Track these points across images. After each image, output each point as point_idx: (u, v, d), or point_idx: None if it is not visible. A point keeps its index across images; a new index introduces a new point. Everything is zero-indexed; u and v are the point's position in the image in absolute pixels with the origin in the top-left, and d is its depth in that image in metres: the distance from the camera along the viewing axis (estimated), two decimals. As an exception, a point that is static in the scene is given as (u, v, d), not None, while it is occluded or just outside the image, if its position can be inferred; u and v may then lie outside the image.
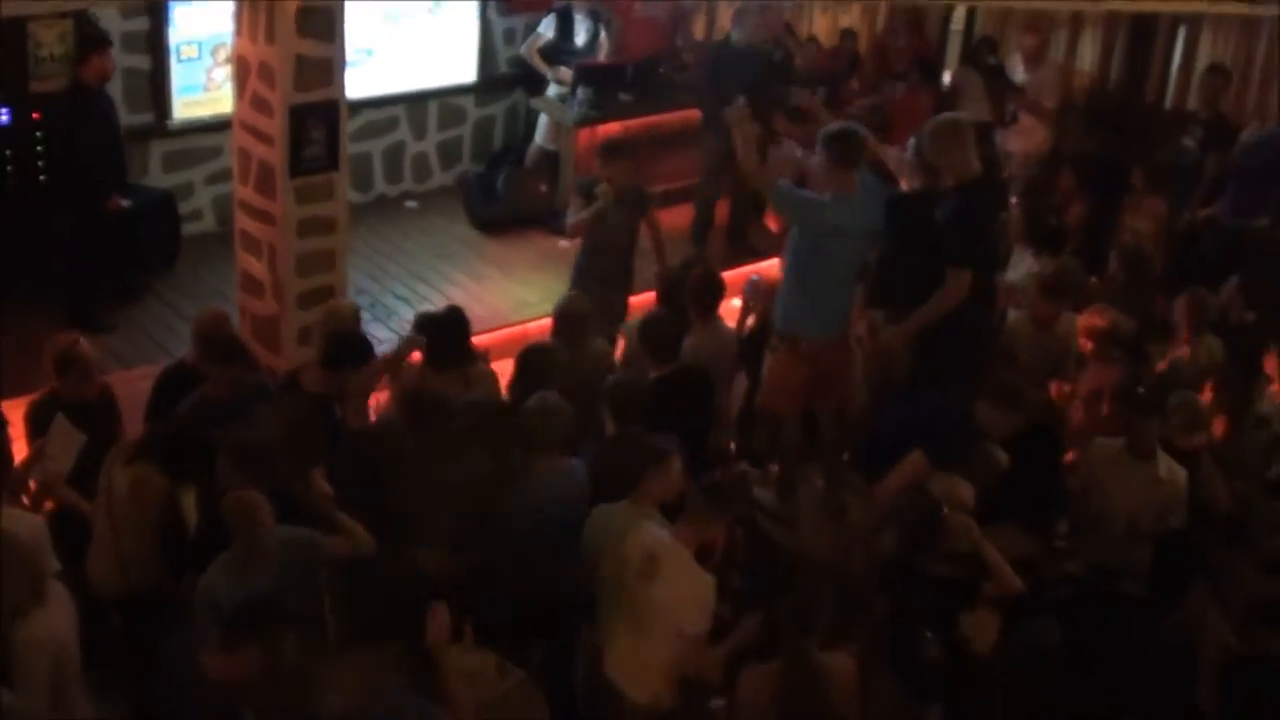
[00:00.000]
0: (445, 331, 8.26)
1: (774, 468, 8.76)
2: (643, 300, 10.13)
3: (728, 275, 9.92)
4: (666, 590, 6.59)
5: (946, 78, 13.61)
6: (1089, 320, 9.19)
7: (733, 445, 9.23)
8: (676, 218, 12.88)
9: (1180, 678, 6.79)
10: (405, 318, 8.33)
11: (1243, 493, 8.47)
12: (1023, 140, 12.42)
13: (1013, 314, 9.63)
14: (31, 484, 7.41)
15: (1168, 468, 8.05)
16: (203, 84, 11.85)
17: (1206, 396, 9.05)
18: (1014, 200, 11.59)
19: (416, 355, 8.30)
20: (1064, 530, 8.21)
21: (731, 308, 10.02)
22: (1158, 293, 10.37)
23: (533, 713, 6.68)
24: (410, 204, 13.38)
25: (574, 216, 10.43)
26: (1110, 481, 8.09)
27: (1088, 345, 9.18)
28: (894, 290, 8.65)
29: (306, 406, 7.63)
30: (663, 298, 9.33)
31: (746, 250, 12.68)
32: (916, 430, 7.88)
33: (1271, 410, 8.90)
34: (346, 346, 7.96)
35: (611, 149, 10.53)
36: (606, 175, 10.20)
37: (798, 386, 8.50)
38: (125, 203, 10.69)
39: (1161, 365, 9.45)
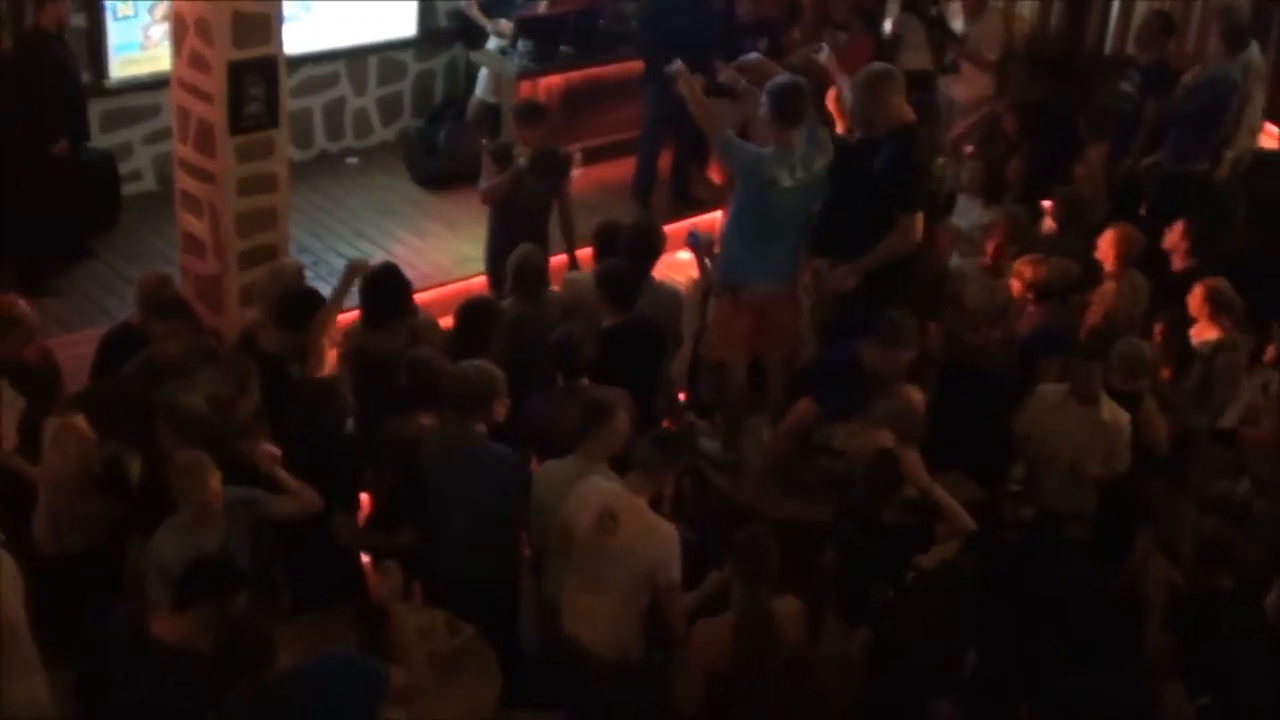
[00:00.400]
0: (380, 288, 8.19)
1: (720, 418, 8.76)
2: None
3: (670, 228, 9.95)
4: (627, 544, 6.61)
5: (888, 26, 13.57)
6: (1023, 267, 9.27)
7: (681, 396, 9.24)
8: (619, 170, 12.88)
9: (1126, 623, 6.86)
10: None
11: (1181, 434, 8.55)
12: (966, 89, 12.43)
13: (959, 260, 9.67)
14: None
15: (1110, 411, 8.13)
16: (140, 42, 11.72)
17: (1158, 339, 9.17)
18: (970, 150, 11.65)
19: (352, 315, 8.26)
20: (1020, 475, 8.25)
21: (675, 260, 10.05)
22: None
23: (484, 668, 6.71)
24: (351, 160, 13.29)
25: (486, 181, 10.02)
26: (1053, 425, 8.17)
27: (1020, 290, 9.29)
28: (836, 239, 8.67)
29: (265, 367, 7.59)
30: (600, 252, 9.18)
31: (690, 202, 12.67)
32: (815, 378, 8.09)
33: (1210, 350, 8.97)
34: (300, 304, 7.90)
35: (527, 111, 10.20)
36: (523, 138, 9.93)
37: (741, 337, 8.51)
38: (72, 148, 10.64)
39: (1096, 309, 9.52)
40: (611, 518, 6.62)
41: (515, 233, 9.45)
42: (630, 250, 8.83)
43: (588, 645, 6.75)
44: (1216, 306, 9.07)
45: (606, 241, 9.06)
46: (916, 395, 7.86)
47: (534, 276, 8.65)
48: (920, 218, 8.38)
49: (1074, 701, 6.11)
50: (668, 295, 8.98)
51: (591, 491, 6.74)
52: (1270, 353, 8.99)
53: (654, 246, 9.00)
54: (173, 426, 6.81)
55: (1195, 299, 9.10)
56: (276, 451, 6.88)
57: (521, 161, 9.75)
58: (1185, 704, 6.34)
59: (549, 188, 9.94)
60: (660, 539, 6.66)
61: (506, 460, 7.17)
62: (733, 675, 6.24)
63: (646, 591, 6.67)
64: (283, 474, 6.79)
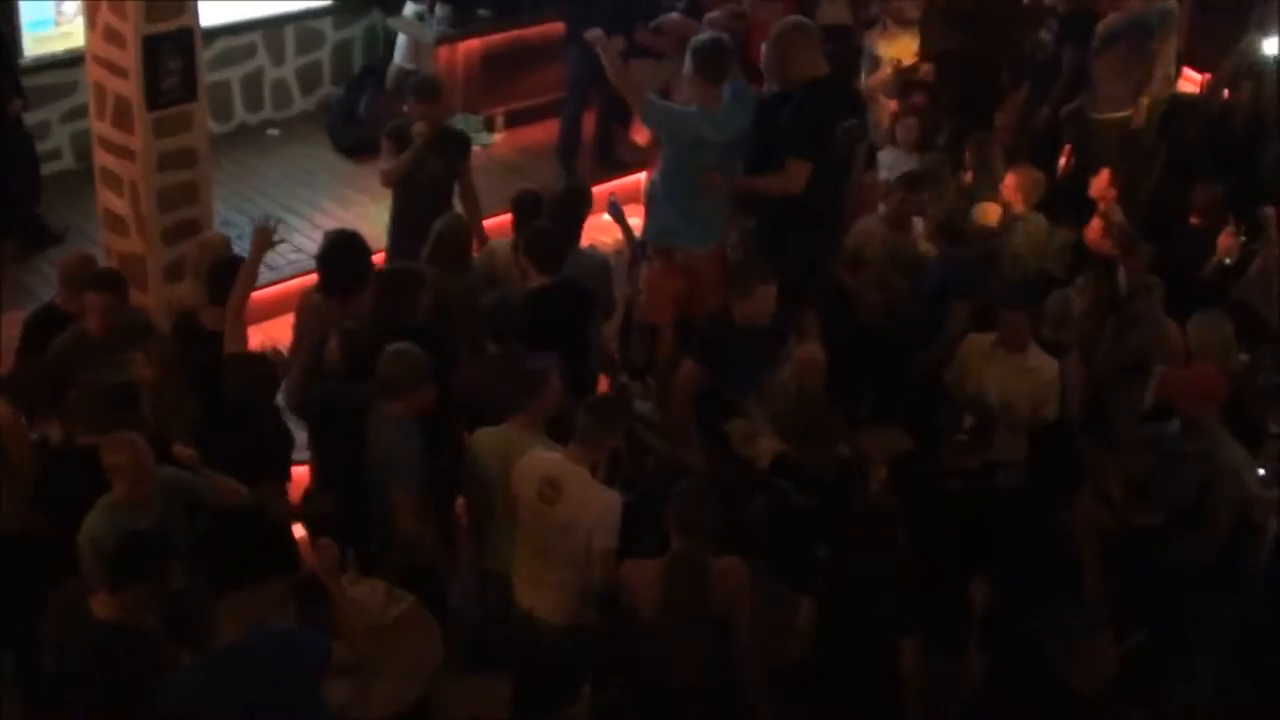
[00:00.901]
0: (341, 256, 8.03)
1: (652, 380, 8.78)
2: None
3: (597, 190, 9.93)
4: (571, 512, 6.62)
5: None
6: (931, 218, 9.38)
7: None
8: (542, 133, 12.86)
9: (1064, 570, 6.94)
10: (274, 249, 8.28)
11: (1101, 379, 8.65)
12: (891, 46, 12.45)
13: (865, 218, 9.70)
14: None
15: (1038, 359, 8.21)
16: (53, 18, 11.58)
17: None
18: (893, 105, 11.66)
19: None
20: (969, 425, 8.30)
21: (601, 223, 10.03)
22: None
23: (426, 636, 6.71)
24: (272, 132, 13.20)
25: (386, 163, 9.64)
26: (982, 374, 8.24)
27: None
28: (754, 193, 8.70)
29: (208, 347, 7.48)
30: (519, 220, 8.97)
31: (614, 164, 12.66)
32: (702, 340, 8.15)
33: (1131, 291, 9.08)
34: (232, 275, 7.77)
35: (422, 87, 9.82)
36: (421, 115, 9.58)
37: (673, 298, 8.54)
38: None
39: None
40: (553, 487, 6.63)
41: (418, 212, 9.24)
42: (557, 213, 8.77)
43: (541, 615, 6.77)
44: (1119, 246, 9.28)
45: (525, 209, 8.95)
46: (812, 351, 7.97)
47: (455, 245, 8.59)
48: (806, 167, 8.36)
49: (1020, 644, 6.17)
50: (596, 260, 8.95)
51: (533, 462, 6.75)
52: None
53: (581, 209, 8.98)
54: (95, 407, 6.74)
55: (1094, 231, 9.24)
56: (190, 453, 6.82)
57: (420, 142, 9.44)
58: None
59: (449, 166, 9.63)
60: (602, 506, 6.67)
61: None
62: (659, 624, 6.26)
63: (589, 558, 6.69)
64: (208, 474, 6.74)
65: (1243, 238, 9.52)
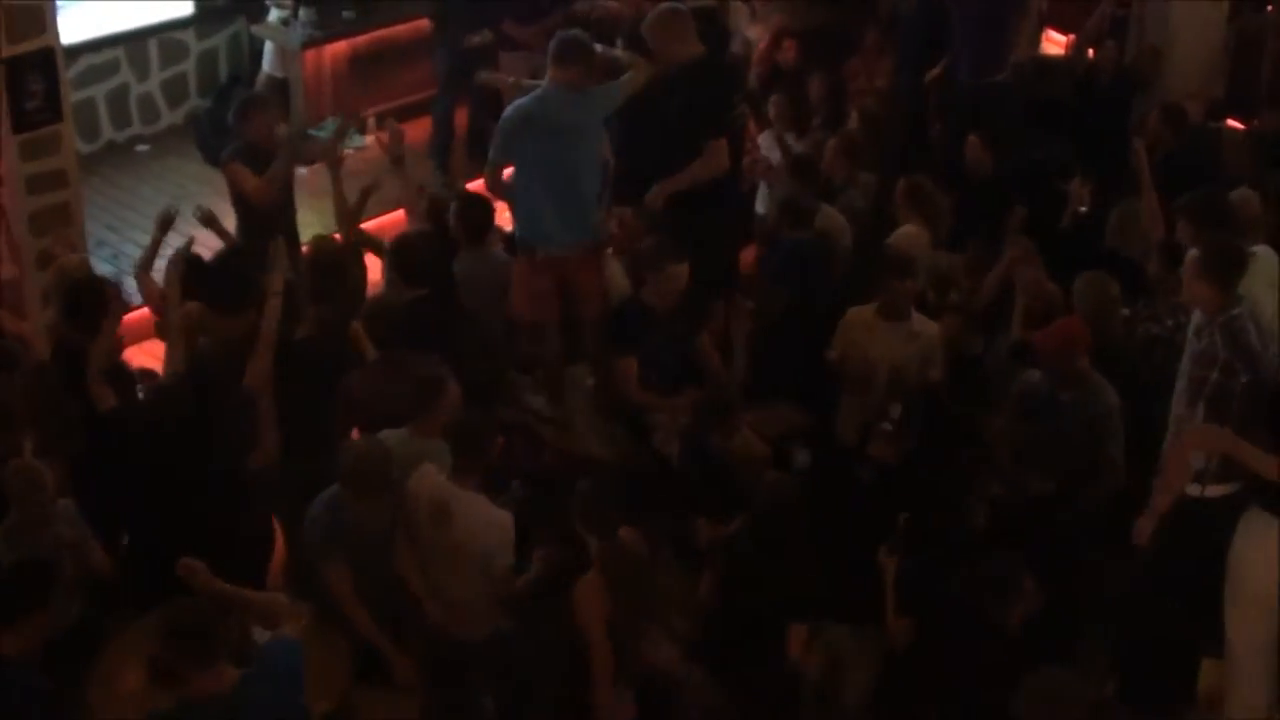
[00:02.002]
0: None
1: (541, 374, 8.80)
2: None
3: (472, 186, 9.90)
4: (462, 537, 6.66)
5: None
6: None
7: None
8: (415, 132, 12.78)
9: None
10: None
11: (978, 348, 8.76)
12: (760, 26, 12.52)
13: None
14: None
15: (919, 322, 8.33)
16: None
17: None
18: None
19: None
20: (896, 413, 8.35)
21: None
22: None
23: (332, 648, 6.68)
24: (141, 148, 13.01)
25: (249, 181, 9.17)
26: (867, 344, 8.33)
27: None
28: (637, 182, 8.71)
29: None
30: (429, 219, 9.08)
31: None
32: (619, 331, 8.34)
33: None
34: (90, 296, 7.60)
35: (252, 104, 9.68)
36: (280, 120, 9.76)
37: (545, 294, 8.55)
38: None
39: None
40: (442, 512, 6.63)
41: (262, 231, 8.96)
42: (460, 220, 8.81)
43: (456, 631, 6.79)
44: (914, 202, 9.47)
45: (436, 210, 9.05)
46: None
47: (332, 272, 8.39)
48: (723, 145, 8.45)
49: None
50: (500, 260, 8.91)
51: (422, 483, 6.77)
52: None
53: (483, 216, 8.92)
54: None
55: (900, 195, 9.55)
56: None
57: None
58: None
59: (286, 176, 9.51)
60: (494, 530, 6.70)
61: None
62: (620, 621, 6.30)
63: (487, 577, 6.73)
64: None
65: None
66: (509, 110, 8.47)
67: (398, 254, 8.32)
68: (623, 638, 6.39)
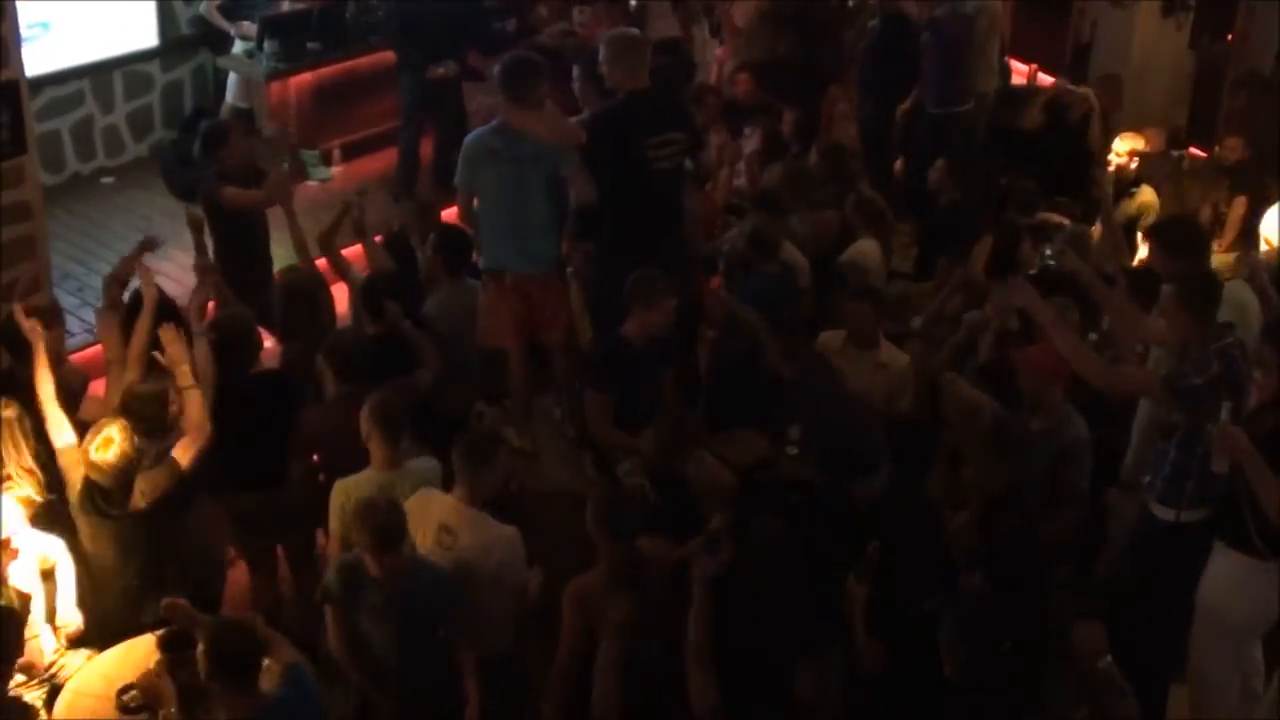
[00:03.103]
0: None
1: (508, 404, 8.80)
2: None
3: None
4: (471, 555, 6.63)
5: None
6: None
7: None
8: (380, 163, 12.80)
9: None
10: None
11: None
12: (732, 57, 12.58)
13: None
14: None
15: (888, 352, 8.34)
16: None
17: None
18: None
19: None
20: (796, 435, 8.37)
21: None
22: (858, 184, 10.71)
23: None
24: (106, 180, 12.98)
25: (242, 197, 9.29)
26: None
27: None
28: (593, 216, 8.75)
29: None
30: (390, 250, 9.09)
31: (454, 188, 12.59)
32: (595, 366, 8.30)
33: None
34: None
35: (224, 128, 9.85)
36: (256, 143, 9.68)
37: (511, 322, 8.56)
38: None
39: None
40: (449, 533, 6.62)
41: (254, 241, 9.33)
42: (439, 253, 8.85)
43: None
44: (866, 217, 9.52)
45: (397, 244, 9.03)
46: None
47: (305, 302, 8.48)
48: (587, 178, 8.46)
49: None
50: (472, 290, 8.88)
51: (427, 505, 6.76)
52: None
53: (462, 249, 8.92)
54: None
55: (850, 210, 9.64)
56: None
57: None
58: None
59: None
60: (502, 545, 6.69)
61: None
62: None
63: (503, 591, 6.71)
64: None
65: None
66: (469, 139, 8.53)
67: (366, 290, 8.30)
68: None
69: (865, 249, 9.53)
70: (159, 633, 6.31)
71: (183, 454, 6.74)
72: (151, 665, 6.13)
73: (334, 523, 7.09)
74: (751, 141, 11.16)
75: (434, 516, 6.71)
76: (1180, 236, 7.97)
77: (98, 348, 8.62)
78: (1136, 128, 11.36)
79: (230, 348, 7.62)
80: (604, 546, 6.53)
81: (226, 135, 9.59)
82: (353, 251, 9.42)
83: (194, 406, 6.85)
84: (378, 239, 9.37)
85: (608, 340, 8.20)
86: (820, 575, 6.87)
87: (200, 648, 5.73)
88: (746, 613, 6.46)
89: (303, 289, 8.55)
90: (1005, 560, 6.72)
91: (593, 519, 6.55)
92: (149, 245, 8.40)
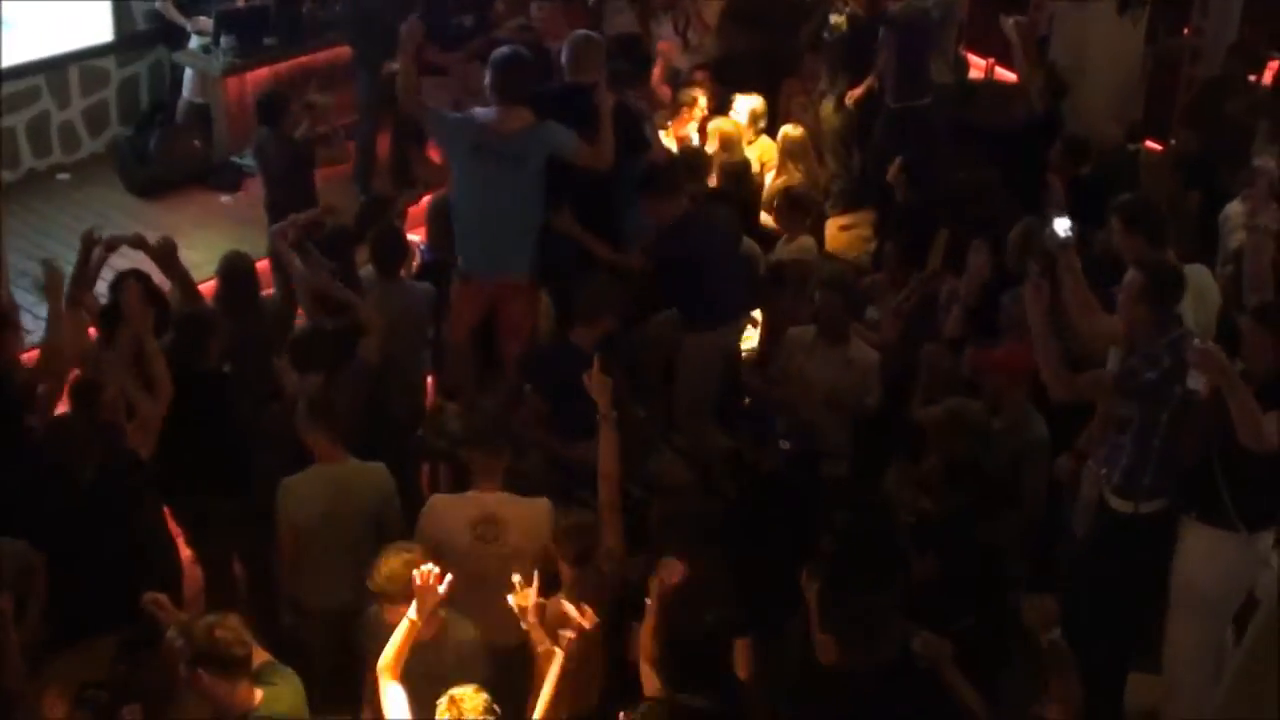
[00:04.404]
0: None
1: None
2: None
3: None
4: (518, 541, 6.65)
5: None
6: None
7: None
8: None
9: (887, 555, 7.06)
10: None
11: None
12: (695, 55, 12.56)
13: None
14: None
15: (857, 349, 8.34)
16: None
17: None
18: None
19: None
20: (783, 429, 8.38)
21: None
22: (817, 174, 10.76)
23: (283, 679, 6.57)
24: (62, 176, 12.89)
25: None
26: (806, 366, 8.35)
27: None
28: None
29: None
30: (327, 252, 8.95)
31: (410, 183, 12.57)
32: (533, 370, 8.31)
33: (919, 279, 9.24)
34: None
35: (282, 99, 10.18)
36: None
37: (470, 321, 8.58)
38: None
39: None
40: (492, 524, 6.63)
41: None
42: (375, 253, 8.77)
43: (493, 639, 6.60)
44: (796, 213, 9.68)
45: (335, 241, 8.99)
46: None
47: (244, 284, 8.49)
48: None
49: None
50: (420, 293, 8.87)
51: (452, 506, 6.80)
52: None
53: (398, 251, 8.88)
54: None
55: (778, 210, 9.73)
56: None
57: None
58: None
59: None
60: (543, 519, 6.70)
61: None
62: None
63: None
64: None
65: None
66: (461, 115, 8.58)
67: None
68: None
69: (805, 245, 9.53)
70: (123, 631, 6.28)
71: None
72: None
73: (281, 523, 7.11)
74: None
75: (468, 514, 6.69)
76: (1143, 213, 7.96)
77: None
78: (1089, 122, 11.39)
79: (188, 343, 7.63)
80: (566, 569, 6.48)
81: (287, 103, 10.20)
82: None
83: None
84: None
85: (553, 345, 8.17)
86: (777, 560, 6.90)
87: (182, 642, 5.70)
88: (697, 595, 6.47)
89: (242, 269, 8.54)
90: (954, 546, 6.75)
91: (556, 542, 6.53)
92: (89, 241, 8.28)
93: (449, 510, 6.80)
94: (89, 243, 8.24)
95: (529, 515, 6.73)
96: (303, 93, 11.45)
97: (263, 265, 9.25)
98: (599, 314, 7.92)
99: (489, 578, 6.55)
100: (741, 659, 6.45)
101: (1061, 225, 7.34)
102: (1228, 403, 6.40)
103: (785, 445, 7.85)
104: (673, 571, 6.13)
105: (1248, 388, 6.38)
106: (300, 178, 10.24)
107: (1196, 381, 6.50)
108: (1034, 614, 6.07)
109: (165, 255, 8.55)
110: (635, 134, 8.92)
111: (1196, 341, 6.56)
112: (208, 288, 9.92)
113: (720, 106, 11.31)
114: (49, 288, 7.82)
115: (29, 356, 8.57)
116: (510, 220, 8.40)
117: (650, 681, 6.10)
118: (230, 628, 5.66)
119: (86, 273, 8.27)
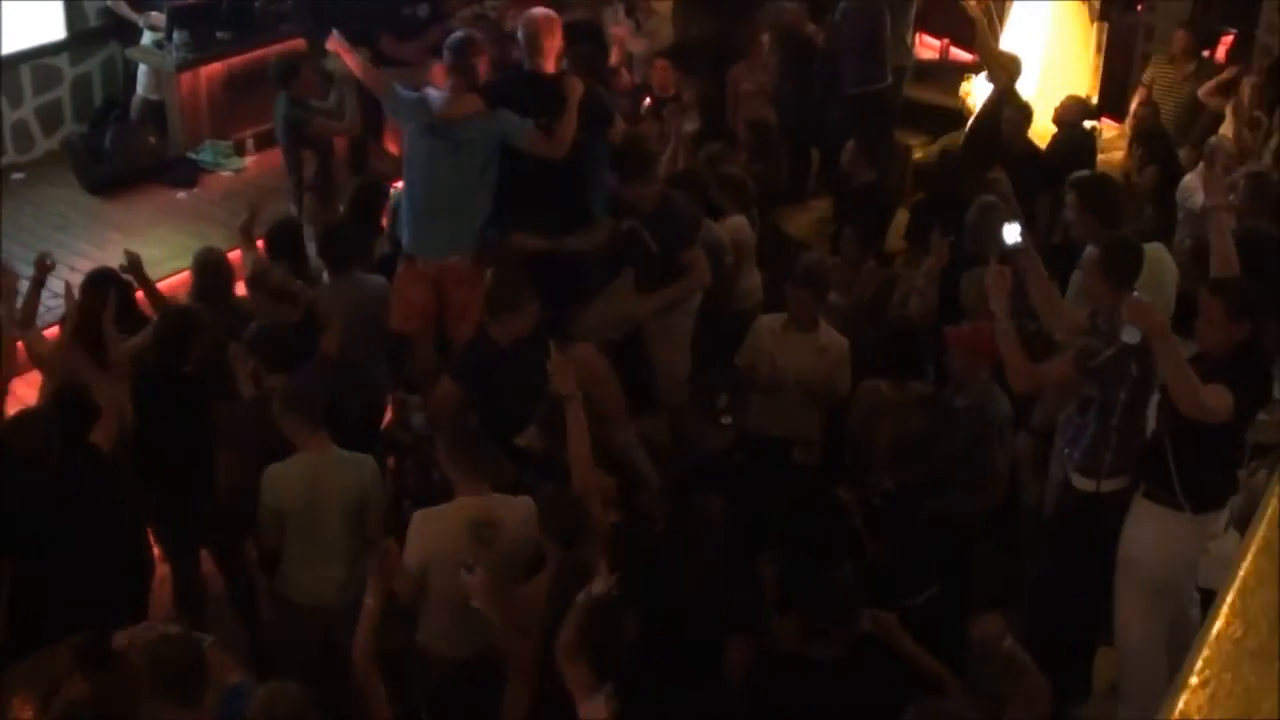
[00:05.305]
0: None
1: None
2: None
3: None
4: (516, 535, 6.56)
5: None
6: None
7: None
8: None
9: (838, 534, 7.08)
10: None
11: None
12: (648, 41, 12.54)
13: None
14: None
15: (828, 336, 8.33)
16: None
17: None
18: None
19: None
20: (724, 403, 8.40)
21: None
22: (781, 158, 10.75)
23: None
24: (17, 176, 12.76)
25: None
26: (777, 353, 8.33)
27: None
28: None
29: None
30: (276, 245, 8.86)
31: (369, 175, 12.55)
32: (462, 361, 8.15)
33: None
34: None
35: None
36: None
37: (420, 308, 8.53)
38: None
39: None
40: (491, 526, 6.52)
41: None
42: (323, 249, 8.78)
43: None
44: (731, 194, 9.60)
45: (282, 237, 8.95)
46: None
47: (218, 276, 8.47)
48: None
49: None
50: (374, 286, 8.78)
51: (447, 515, 6.63)
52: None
53: (345, 245, 8.82)
54: None
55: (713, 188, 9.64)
56: None
57: None
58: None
59: None
60: (532, 515, 6.59)
61: None
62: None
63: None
64: None
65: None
66: (417, 94, 8.55)
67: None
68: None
69: (738, 224, 9.54)
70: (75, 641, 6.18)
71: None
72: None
73: (263, 511, 7.06)
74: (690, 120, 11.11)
75: (464, 518, 6.56)
76: (1098, 190, 8.00)
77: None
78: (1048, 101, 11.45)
79: (168, 344, 7.62)
80: (551, 550, 6.41)
81: (299, 68, 10.30)
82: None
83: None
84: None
85: (476, 339, 8.09)
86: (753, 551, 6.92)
87: (142, 660, 5.64)
88: (678, 592, 6.47)
89: (214, 261, 8.52)
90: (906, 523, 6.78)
91: (542, 522, 6.42)
92: (43, 267, 8.22)
93: (437, 522, 6.68)
94: (43, 269, 8.14)
95: (519, 514, 6.66)
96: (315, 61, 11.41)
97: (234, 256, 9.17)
98: (515, 306, 7.78)
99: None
100: (737, 658, 6.46)
101: (1010, 232, 7.37)
102: (1159, 360, 6.43)
103: (727, 421, 7.81)
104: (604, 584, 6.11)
105: (1178, 348, 6.38)
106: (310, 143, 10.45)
107: (1131, 336, 6.52)
108: (983, 632, 6.07)
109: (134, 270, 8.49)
110: (601, 114, 8.88)
111: (1135, 294, 6.58)
112: (166, 285, 9.94)
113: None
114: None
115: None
116: (455, 202, 8.39)
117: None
118: (178, 646, 5.63)
119: (34, 303, 8.17)
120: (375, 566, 6.22)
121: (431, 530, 6.62)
